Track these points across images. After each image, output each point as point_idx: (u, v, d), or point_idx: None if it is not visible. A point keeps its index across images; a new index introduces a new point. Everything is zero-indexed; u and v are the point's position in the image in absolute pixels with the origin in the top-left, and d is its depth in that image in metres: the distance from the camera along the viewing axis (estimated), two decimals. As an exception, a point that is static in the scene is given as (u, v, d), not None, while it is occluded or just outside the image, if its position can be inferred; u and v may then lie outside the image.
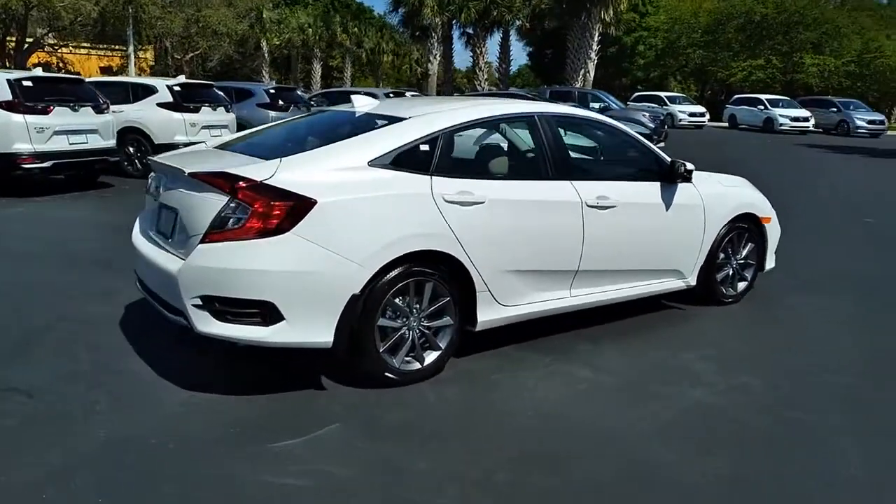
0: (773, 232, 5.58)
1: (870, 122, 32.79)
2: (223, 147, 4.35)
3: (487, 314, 3.98)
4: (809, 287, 6.00)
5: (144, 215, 4.22)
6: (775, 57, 42.54)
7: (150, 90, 12.13)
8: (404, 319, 3.71)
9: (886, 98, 43.00)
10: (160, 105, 11.86)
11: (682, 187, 4.82)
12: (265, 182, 3.36)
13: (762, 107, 33.57)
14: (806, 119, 32.45)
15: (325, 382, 3.79)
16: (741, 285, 5.47)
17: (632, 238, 4.59)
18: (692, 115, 33.61)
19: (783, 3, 42.17)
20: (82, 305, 5.03)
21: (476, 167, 4.13)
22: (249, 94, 15.24)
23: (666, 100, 34.06)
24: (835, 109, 33.79)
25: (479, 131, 4.12)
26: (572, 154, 4.56)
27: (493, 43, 47.33)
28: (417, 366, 3.79)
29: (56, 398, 3.55)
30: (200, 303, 3.39)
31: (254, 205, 3.31)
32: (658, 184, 4.73)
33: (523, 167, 4.44)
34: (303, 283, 3.36)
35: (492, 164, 4.20)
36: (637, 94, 35.56)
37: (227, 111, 12.99)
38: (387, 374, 3.68)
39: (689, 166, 4.77)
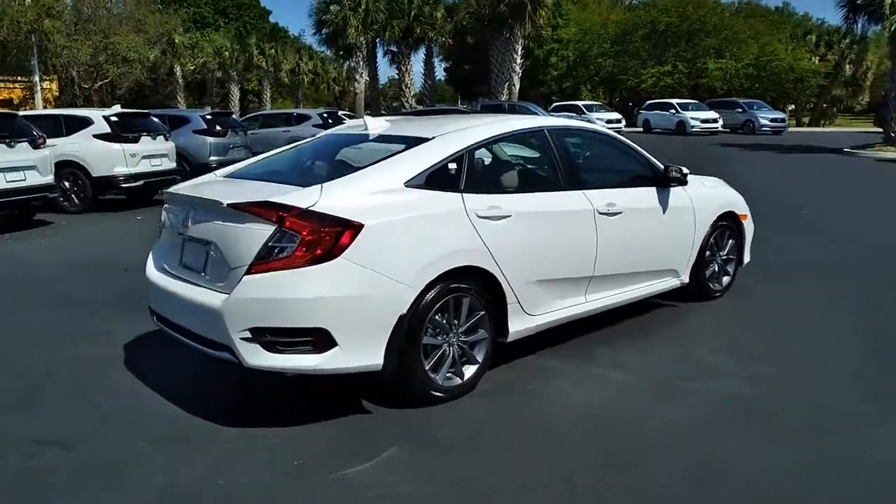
0: (749, 228, 5.93)
1: (772, 120, 34.95)
2: (235, 175, 4.29)
3: (517, 325, 4.07)
4: (778, 278, 6.38)
5: (161, 250, 4.09)
6: (681, 63, 44.74)
7: (85, 122, 11.65)
8: (444, 336, 3.74)
9: (782, 97, 45.84)
10: (97, 136, 11.45)
11: (674, 191, 5.06)
12: (311, 209, 3.34)
13: (674, 111, 35.17)
14: (715, 120, 34.20)
15: (367, 406, 3.77)
16: (725, 280, 5.77)
17: (637, 242, 4.79)
18: (609, 121, 34.82)
19: (685, 12, 44.47)
20: (77, 348, 4.80)
21: (500, 182, 4.22)
22: (185, 121, 14.78)
23: (584, 108, 35.26)
24: (740, 110, 35.81)
25: (500, 147, 4.21)
26: (579, 164, 4.72)
27: (416, 60, 47.88)
28: (458, 381, 3.83)
29: (96, 446, 3.39)
30: (249, 336, 3.33)
31: (302, 232, 3.29)
32: (654, 188, 4.96)
33: (541, 179, 4.56)
34: (354, 308, 3.36)
35: (514, 178, 4.30)
36: (555, 104, 36.67)
37: (167, 139, 12.61)
38: (433, 392, 3.71)
39: (685, 170, 5.03)
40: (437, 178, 3.80)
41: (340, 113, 20.53)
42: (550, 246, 4.20)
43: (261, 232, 3.33)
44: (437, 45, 28.50)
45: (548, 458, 3.23)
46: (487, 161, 4.14)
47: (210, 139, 14.55)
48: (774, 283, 6.22)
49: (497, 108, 20.15)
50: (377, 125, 4.39)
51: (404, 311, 3.47)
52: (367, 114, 28.48)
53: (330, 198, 3.41)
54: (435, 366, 3.72)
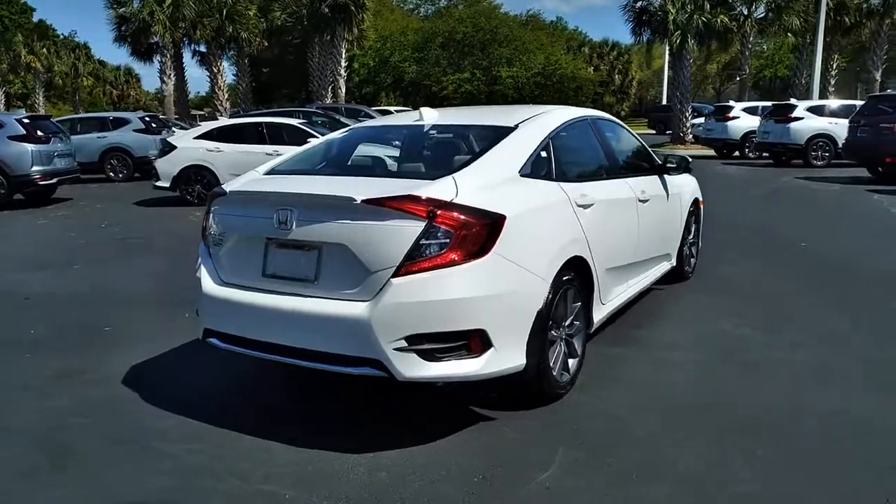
0: (702, 214, 6.46)
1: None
2: (289, 172, 3.80)
3: (597, 314, 4.06)
4: (723, 256, 7.02)
5: (223, 261, 3.47)
6: (478, 71, 47.09)
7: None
8: (557, 330, 3.62)
9: (566, 104, 50.08)
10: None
11: (668, 178, 5.36)
12: (457, 202, 3.05)
13: (481, 115, 36.98)
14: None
15: (479, 411, 3.53)
16: (692, 261, 6.23)
17: (656, 228, 5.00)
18: None
19: (479, 23, 46.88)
20: (43, 400, 3.92)
21: (574, 170, 4.16)
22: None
23: (395, 113, 35.91)
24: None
25: (566, 135, 4.15)
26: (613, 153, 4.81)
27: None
28: (568, 376, 3.72)
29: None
30: (405, 345, 2.96)
31: (455, 227, 2.99)
32: (657, 176, 5.21)
33: (601, 167, 4.56)
34: (506, 305, 3.13)
35: (585, 166, 4.28)
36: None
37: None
38: (557, 389, 3.58)
39: (689, 158, 5.34)
40: (538, 167, 3.67)
41: (138, 117, 18.67)
42: (616, 233, 4.25)
43: (408, 229, 2.98)
44: (252, 47, 27.04)
45: (694, 438, 3.25)
46: (565, 149, 4.06)
47: (31, 147, 12.56)
48: (728, 261, 6.83)
49: (334, 111, 19.67)
50: (433, 116, 4.12)
51: (541, 306, 3.31)
52: (177, 117, 26.43)
53: (466, 190, 3.14)
54: (553, 362, 3.58)
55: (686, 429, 3.34)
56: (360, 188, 3.14)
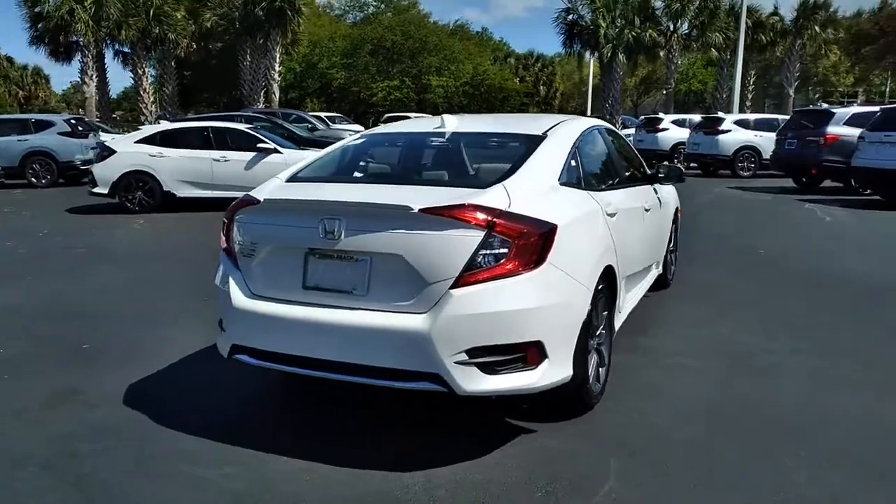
0: (679, 222, 6.64)
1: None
2: (314, 179, 3.65)
3: (617, 321, 4.09)
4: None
5: (256, 271, 3.27)
6: (407, 78, 47.12)
7: None
8: (593, 339, 3.61)
9: (494, 112, 50.74)
10: None
11: (659, 188, 5.48)
12: (512, 211, 3.00)
13: (413, 123, 37.00)
14: (448, 133, 36.74)
15: (516, 423, 3.48)
16: (672, 269, 6.39)
17: (655, 235, 5.11)
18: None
19: (408, 31, 46.93)
20: (43, 426, 3.62)
21: (597, 179, 4.17)
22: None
23: (326, 120, 35.44)
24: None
25: (586, 144, 4.15)
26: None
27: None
28: (599, 385, 3.72)
29: None
30: (466, 358, 2.87)
31: (514, 237, 2.93)
32: (650, 186, 5.31)
33: (614, 176, 4.58)
34: (558, 315, 3.10)
35: (603, 175, 4.29)
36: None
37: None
38: (592, 399, 3.56)
39: (682, 168, 5.46)
40: (570, 176, 3.66)
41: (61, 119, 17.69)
42: (632, 242, 4.29)
43: (467, 238, 2.90)
44: (177, 48, 26.00)
45: (747, 438, 3.32)
46: (587, 158, 4.06)
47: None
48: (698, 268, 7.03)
49: (270, 116, 19.12)
50: (455, 123, 4.04)
51: (585, 316, 3.29)
52: (98, 118, 25.11)
53: (518, 198, 3.09)
54: (590, 372, 3.56)
55: (724, 434, 3.40)
56: (412, 197, 3.04)
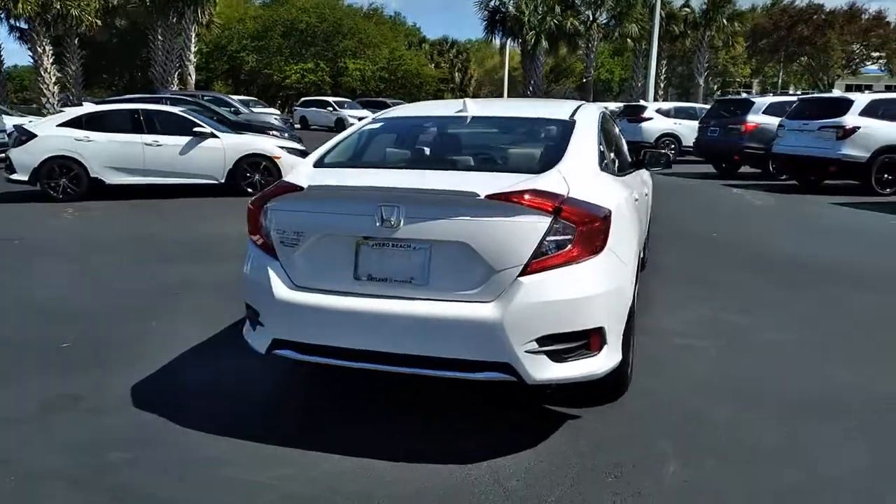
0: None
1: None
2: (343, 166, 3.48)
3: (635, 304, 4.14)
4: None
5: (300, 262, 3.08)
6: (322, 61, 46.14)
7: None
8: (632, 323, 3.61)
9: (410, 98, 50.52)
10: None
11: (644, 172, 5.57)
12: (574, 197, 2.96)
13: (332, 108, 36.19)
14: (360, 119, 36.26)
15: (557, 410, 3.48)
16: (646, 251, 6.54)
17: (646, 218, 5.20)
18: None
19: (323, 14, 45.89)
20: (51, 434, 3.32)
21: (618, 164, 4.17)
22: None
23: (237, 104, 34.40)
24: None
25: (604, 129, 4.13)
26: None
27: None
28: (629, 367, 3.75)
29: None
30: (537, 347, 2.83)
31: (578, 223, 2.90)
32: (644, 170, 5.39)
33: (624, 161, 4.59)
34: (615, 301, 3.10)
35: (618, 160, 4.31)
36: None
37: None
38: (628, 382, 3.59)
39: (670, 155, 5.57)
40: (601, 161, 3.65)
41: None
42: (640, 226, 4.32)
43: (536, 225, 2.85)
44: (80, 26, 24.19)
45: (776, 415, 3.45)
46: (605, 144, 4.05)
47: None
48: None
49: (192, 98, 18.18)
50: (476, 108, 3.95)
51: (631, 300, 3.32)
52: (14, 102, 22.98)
53: (575, 184, 3.06)
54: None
55: (754, 412, 3.50)
56: (473, 182, 2.95)
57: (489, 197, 2.83)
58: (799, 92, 45.01)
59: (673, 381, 3.89)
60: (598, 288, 2.96)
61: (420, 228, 2.90)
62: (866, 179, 12.67)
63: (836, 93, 16.35)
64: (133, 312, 5.06)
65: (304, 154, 12.28)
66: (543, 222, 2.85)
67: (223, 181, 11.35)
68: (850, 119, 12.78)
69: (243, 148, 11.53)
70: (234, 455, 3.06)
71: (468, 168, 3.44)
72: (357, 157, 3.75)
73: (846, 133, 12.63)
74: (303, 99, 38.56)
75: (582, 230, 2.91)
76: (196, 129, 11.21)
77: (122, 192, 10.98)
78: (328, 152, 3.67)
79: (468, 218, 2.86)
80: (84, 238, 8.21)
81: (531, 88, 26.76)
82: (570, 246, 2.89)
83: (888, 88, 44.62)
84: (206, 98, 19.22)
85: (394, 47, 49.22)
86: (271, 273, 3.12)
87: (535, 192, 2.88)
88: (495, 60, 67.50)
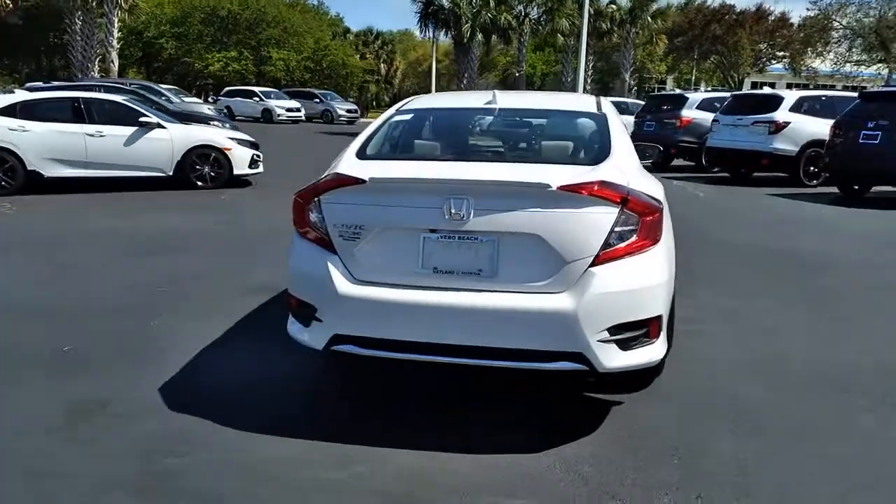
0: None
1: (347, 110, 38.09)
2: (386, 157, 3.44)
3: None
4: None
5: (361, 255, 3.02)
6: (246, 50, 44.83)
7: None
8: (672, 310, 3.74)
9: (338, 90, 49.82)
10: None
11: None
12: (634, 188, 3.05)
13: (258, 98, 35.28)
14: (298, 109, 35.53)
15: (600, 398, 3.58)
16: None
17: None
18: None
19: (246, 1, 44.53)
20: (90, 445, 3.16)
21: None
22: None
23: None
24: (318, 100, 37.98)
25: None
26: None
27: None
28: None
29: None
30: (608, 336, 2.90)
31: (641, 214, 2.99)
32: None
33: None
34: (668, 289, 3.20)
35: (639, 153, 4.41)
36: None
37: None
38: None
39: (660, 148, 5.75)
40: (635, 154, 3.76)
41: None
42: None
43: (605, 216, 2.91)
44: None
45: (810, 391, 3.66)
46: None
47: None
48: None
49: (117, 89, 17.26)
50: (505, 100, 3.97)
51: (673, 292, 3.44)
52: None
53: (630, 176, 3.15)
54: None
55: (787, 391, 3.70)
56: (540, 174, 2.99)
57: (561, 188, 2.87)
58: (709, 88, 47.33)
59: (691, 366, 4.04)
60: (658, 277, 3.05)
61: (489, 220, 2.91)
62: (795, 172, 13.48)
63: (767, 90, 17.21)
64: (125, 311, 4.82)
65: (255, 146, 11.97)
66: (612, 213, 2.92)
67: (171, 174, 10.90)
68: (781, 115, 13.56)
69: (192, 139, 11.11)
70: (301, 454, 2.98)
71: (523, 160, 3.46)
72: (400, 148, 3.71)
73: (778, 128, 13.39)
74: (227, 89, 37.39)
75: (644, 221, 2.99)
76: (142, 119, 10.70)
77: (62, 185, 10.37)
78: (366, 144, 3.61)
79: (539, 209, 2.89)
80: (38, 235, 7.72)
81: (465, 81, 26.91)
82: (634, 237, 2.97)
83: (789, 86, 47.51)
84: (132, 86, 18.34)
85: (319, 37, 48.37)
86: (331, 268, 3.05)
87: (604, 184, 2.94)
88: (418, 52, 67.54)
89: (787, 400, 3.60)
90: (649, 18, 30.17)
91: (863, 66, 39.77)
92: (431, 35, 28.71)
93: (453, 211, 2.90)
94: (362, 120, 40.61)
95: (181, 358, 3.98)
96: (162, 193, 10.54)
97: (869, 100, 12.19)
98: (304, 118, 35.27)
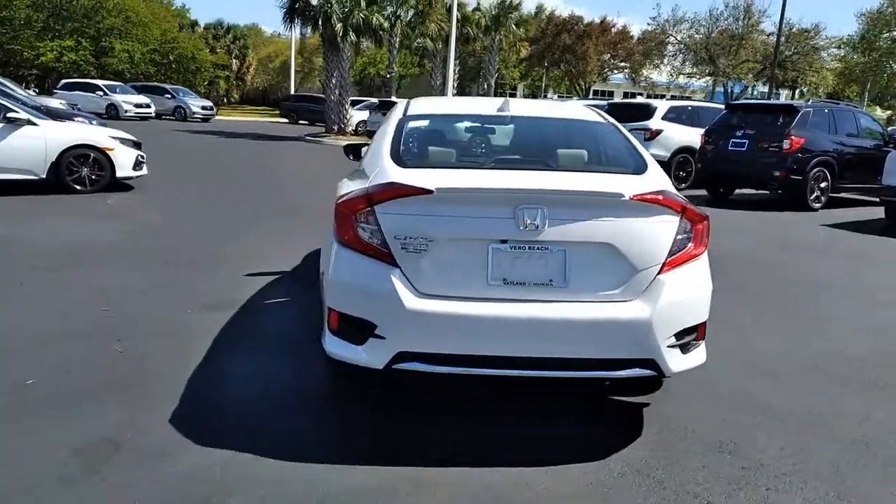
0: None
1: (203, 107, 36.12)
2: (428, 165, 3.31)
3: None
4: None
5: (426, 268, 2.87)
6: (84, 39, 41.08)
7: None
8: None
9: (187, 85, 47.02)
10: None
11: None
12: (685, 198, 3.17)
13: (101, 93, 32.50)
14: (148, 105, 33.15)
15: (623, 400, 3.68)
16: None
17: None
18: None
19: (82, -14, 40.81)
20: (120, 490, 2.81)
21: None
22: None
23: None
24: (169, 96, 35.69)
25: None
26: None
27: None
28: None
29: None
30: (675, 341, 3.00)
31: (695, 222, 3.11)
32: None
33: None
34: (709, 297, 3.33)
35: None
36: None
37: None
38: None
39: None
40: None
41: None
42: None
43: (669, 224, 3.01)
44: None
45: (820, 389, 3.98)
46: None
47: None
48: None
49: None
50: (519, 106, 3.96)
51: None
52: None
53: (671, 185, 3.27)
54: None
55: (795, 390, 3.96)
56: (607, 183, 3.04)
57: (634, 198, 2.91)
58: (556, 96, 49.99)
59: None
60: (709, 283, 3.20)
61: (560, 230, 2.90)
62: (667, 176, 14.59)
63: (640, 99, 18.43)
64: (77, 337, 4.25)
65: (138, 146, 11.00)
66: (674, 222, 3.01)
67: (45, 177, 9.74)
68: (654, 123, 14.63)
69: (69, 138, 9.99)
70: (380, 484, 2.78)
71: (571, 168, 3.43)
72: (440, 156, 3.56)
73: (652, 135, 14.42)
74: (65, 81, 34.03)
75: (697, 229, 3.12)
76: (9, 114, 9.50)
77: None
78: (395, 150, 3.43)
79: (612, 219, 2.92)
80: None
81: (335, 80, 26.41)
82: (690, 244, 3.08)
83: (626, 95, 51.33)
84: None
85: (166, 28, 45.41)
86: (395, 282, 2.88)
87: (667, 193, 3.03)
88: (269, 49, 65.39)
89: (788, 391, 3.90)
90: (513, 26, 31.36)
91: (694, 78, 43.84)
92: (298, 32, 27.85)
93: (528, 221, 2.86)
94: (218, 118, 38.70)
95: (174, 385, 3.60)
96: (38, 199, 9.39)
97: (734, 111, 13.48)
98: (153, 115, 32.96)
